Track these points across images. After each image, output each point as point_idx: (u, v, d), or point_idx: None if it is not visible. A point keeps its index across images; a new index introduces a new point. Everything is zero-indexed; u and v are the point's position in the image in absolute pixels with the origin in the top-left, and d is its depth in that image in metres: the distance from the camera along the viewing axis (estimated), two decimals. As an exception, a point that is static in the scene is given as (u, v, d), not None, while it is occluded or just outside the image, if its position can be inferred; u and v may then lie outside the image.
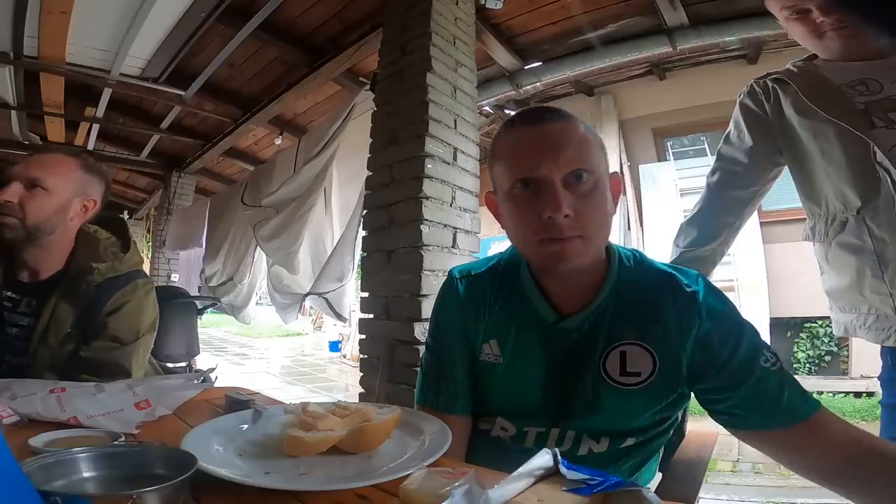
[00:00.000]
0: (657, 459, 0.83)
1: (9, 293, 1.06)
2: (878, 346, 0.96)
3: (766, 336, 4.15)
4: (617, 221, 4.81)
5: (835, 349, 4.34)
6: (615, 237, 4.70)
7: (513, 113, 4.59)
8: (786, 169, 1.11)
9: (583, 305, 0.73)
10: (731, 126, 1.14)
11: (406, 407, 0.72)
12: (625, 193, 4.90)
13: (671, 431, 0.80)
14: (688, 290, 0.71)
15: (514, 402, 0.76)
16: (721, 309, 0.71)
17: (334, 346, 8.75)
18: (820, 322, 4.32)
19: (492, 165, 0.74)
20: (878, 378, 0.98)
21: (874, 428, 0.88)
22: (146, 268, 7.59)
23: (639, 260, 0.77)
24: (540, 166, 0.66)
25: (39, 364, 1.02)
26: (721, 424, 0.73)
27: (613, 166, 4.91)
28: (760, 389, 0.67)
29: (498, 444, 0.77)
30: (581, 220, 0.66)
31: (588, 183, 0.67)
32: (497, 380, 0.77)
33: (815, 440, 0.64)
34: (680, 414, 0.80)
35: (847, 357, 4.24)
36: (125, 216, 7.85)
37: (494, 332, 0.77)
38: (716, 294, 0.72)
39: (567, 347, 0.73)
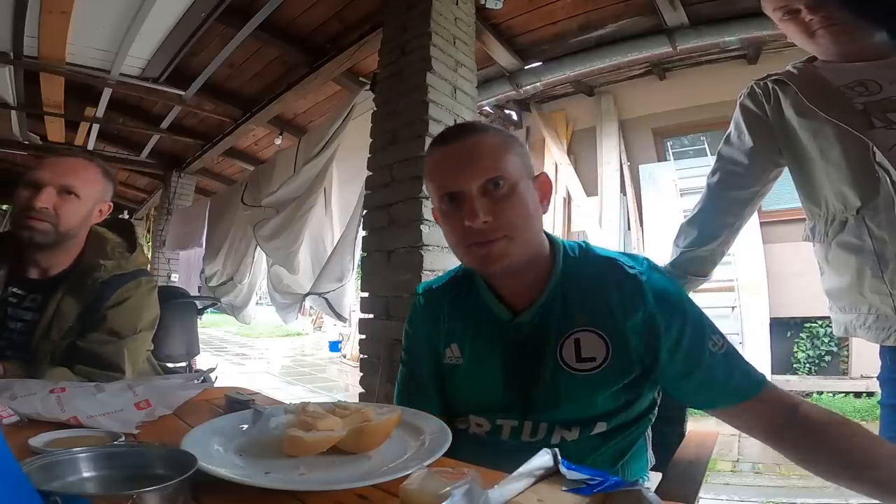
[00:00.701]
0: (644, 448, 0.84)
1: (14, 289, 1.08)
2: (878, 347, 0.96)
3: (765, 336, 4.16)
4: (617, 221, 4.80)
5: (835, 349, 4.34)
6: (615, 237, 4.72)
7: (512, 113, 4.56)
8: (786, 169, 1.12)
9: (533, 300, 0.78)
10: (732, 127, 1.14)
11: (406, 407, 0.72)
12: (624, 193, 4.90)
13: (650, 418, 0.81)
14: (630, 272, 0.75)
15: (477, 399, 0.80)
16: (665, 291, 0.74)
17: (334, 346, 8.75)
18: (820, 322, 4.32)
19: (426, 185, 0.81)
20: (878, 378, 0.99)
21: (874, 428, 0.88)
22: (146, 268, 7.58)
23: (584, 250, 0.81)
24: (457, 180, 0.72)
25: (41, 359, 1.02)
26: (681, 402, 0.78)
27: (613, 165, 4.91)
28: (710, 375, 0.72)
29: (476, 441, 0.79)
30: (501, 222, 0.71)
31: (504, 188, 0.72)
32: (460, 380, 0.82)
33: (759, 412, 0.71)
34: (657, 399, 0.82)
35: (847, 357, 4.24)
36: (125, 216, 7.86)
37: (454, 337, 0.83)
38: (660, 277, 0.76)
39: (522, 342, 0.77)
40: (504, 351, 0.78)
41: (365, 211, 2.25)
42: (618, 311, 0.73)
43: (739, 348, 4.42)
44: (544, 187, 0.78)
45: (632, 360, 0.73)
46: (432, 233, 1.99)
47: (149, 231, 7.34)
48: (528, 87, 3.29)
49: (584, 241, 0.83)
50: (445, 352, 0.84)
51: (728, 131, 1.15)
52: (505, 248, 0.72)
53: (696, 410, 0.87)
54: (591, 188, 5.01)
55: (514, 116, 5.44)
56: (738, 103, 1.13)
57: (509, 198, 0.72)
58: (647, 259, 0.78)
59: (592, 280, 0.76)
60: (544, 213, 0.78)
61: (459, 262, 0.92)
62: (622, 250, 0.77)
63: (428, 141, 2.02)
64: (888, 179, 0.86)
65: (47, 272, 1.10)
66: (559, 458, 0.45)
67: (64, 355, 1.04)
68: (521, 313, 0.78)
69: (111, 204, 1.17)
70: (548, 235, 0.82)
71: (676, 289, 0.76)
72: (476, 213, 0.70)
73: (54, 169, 1.06)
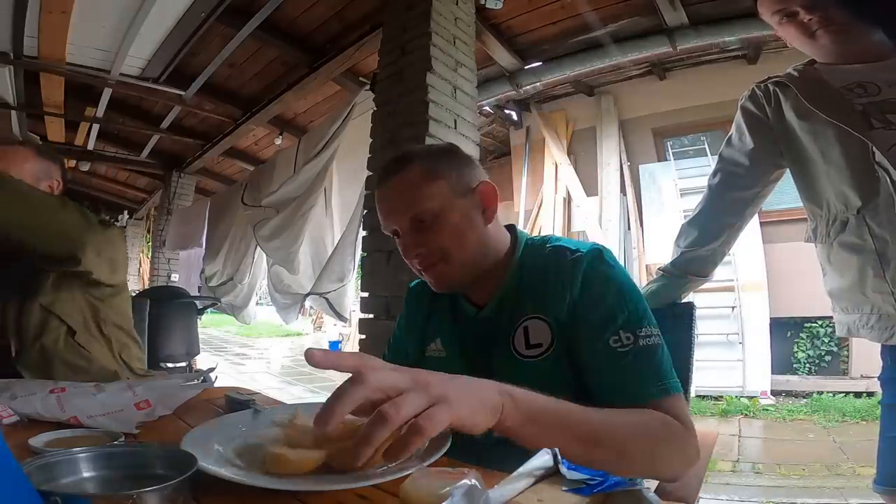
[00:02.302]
0: None
1: None
2: (878, 347, 0.96)
3: (765, 336, 4.16)
4: (617, 221, 4.80)
5: (835, 349, 4.34)
6: (615, 237, 4.72)
7: (512, 113, 4.55)
8: (787, 170, 1.12)
9: (492, 295, 0.82)
10: (733, 129, 1.15)
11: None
12: (624, 193, 4.90)
13: None
14: (570, 256, 0.75)
15: None
16: (595, 270, 0.73)
17: (334, 346, 8.75)
18: (820, 322, 4.32)
19: None
20: (879, 378, 0.99)
21: (874, 428, 0.89)
22: (146, 268, 7.59)
23: (542, 242, 0.83)
24: (388, 222, 0.81)
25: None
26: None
27: (613, 165, 4.91)
28: (595, 364, 0.70)
29: (454, 434, 0.79)
30: (433, 248, 0.77)
31: (429, 220, 0.76)
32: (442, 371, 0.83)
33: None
34: None
35: (847, 357, 4.24)
36: (125, 216, 7.85)
37: (439, 332, 0.88)
38: (601, 263, 0.74)
39: (484, 335, 0.80)
40: (471, 344, 0.82)
41: (365, 211, 2.25)
42: (559, 295, 0.73)
43: (740, 348, 4.37)
44: (486, 196, 0.81)
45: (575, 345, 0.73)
46: (432, 233, 1.99)
47: (149, 231, 7.36)
48: (528, 87, 3.30)
49: (551, 236, 0.84)
50: (429, 346, 0.88)
51: (729, 133, 1.16)
52: (443, 270, 0.78)
53: (695, 410, 0.87)
54: (591, 188, 5.01)
55: (514, 116, 5.45)
56: (739, 105, 1.13)
57: (434, 226, 0.76)
58: (598, 246, 0.77)
59: (542, 269, 0.78)
60: (489, 221, 0.80)
61: None
62: (622, 250, 0.76)
63: (428, 141, 2.02)
64: (888, 179, 0.87)
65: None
66: (559, 458, 0.45)
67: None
68: (483, 308, 0.82)
69: (59, 181, 1.21)
70: (513, 230, 0.86)
71: (615, 274, 0.73)
72: (408, 248, 0.79)
73: None
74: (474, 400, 0.49)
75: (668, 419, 0.63)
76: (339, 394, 0.43)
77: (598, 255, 0.75)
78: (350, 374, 0.45)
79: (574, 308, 0.72)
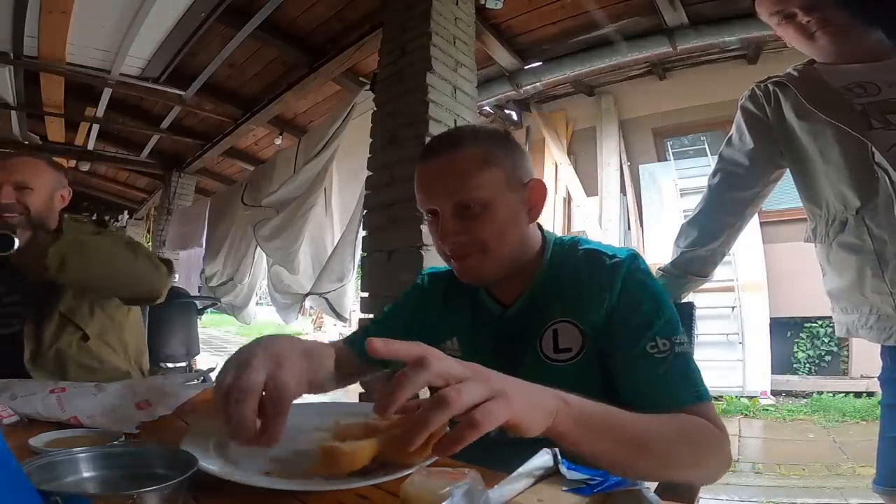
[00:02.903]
0: None
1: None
2: (878, 347, 0.96)
3: (765, 336, 4.16)
4: (617, 221, 4.80)
5: (835, 349, 4.33)
6: (615, 237, 4.72)
7: (513, 113, 4.55)
8: (787, 170, 1.12)
9: (520, 294, 0.79)
10: (733, 129, 1.15)
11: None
12: (624, 193, 4.90)
13: None
14: (608, 262, 0.74)
15: None
16: (635, 283, 0.71)
17: (334, 346, 8.73)
18: (820, 322, 4.31)
19: None
20: (878, 378, 0.99)
21: (874, 428, 0.89)
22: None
23: (573, 243, 0.81)
24: (431, 200, 0.75)
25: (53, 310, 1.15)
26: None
27: (613, 165, 4.91)
28: (629, 369, 0.68)
29: None
30: (473, 239, 0.73)
31: (476, 208, 0.72)
32: None
33: None
34: None
35: (847, 357, 4.24)
36: (125, 216, 7.85)
37: (455, 331, 0.85)
38: (638, 270, 0.73)
39: (509, 335, 0.78)
40: (494, 344, 0.80)
41: (365, 211, 2.25)
42: (594, 301, 0.72)
43: (739, 348, 4.37)
44: (535, 194, 0.78)
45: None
46: (432, 233, 1.99)
47: (149, 231, 7.34)
48: (528, 87, 3.30)
49: (579, 238, 0.83)
50: (446, 344, 0.85)
51: (730, 133, 1.16)
52: (479, 262, 0.74)
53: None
54: (591, 188, 5.01)
55: (514, 116, 5.44)
56: (739, 105, 1.14)
57: (481, 217, 0.72)
58: (634, 253, 0.76)
59: (574, 272, 0.76)
60: (533, 220, 0.78)
61: None
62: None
63: (428, 141, 2.02)
64: (887, 179, 0.87)
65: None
66: (559, 458, 0.45)
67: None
68: (510, 307, 0.80)
69: (70, 189, 1.32)
70: (541, 228, 0.83)
71: (651, 281, 0.73)
72: (447, 234, 0.73)
73: (4, 170, 1.20)
74: (532, 401, 0.47)
75: (707, 424, 0.63)
76: (401, 379, 0.43)
77: (635, 261, 0.74)
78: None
79: (611, 313, 0.71)
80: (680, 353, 0.67)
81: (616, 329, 0.70)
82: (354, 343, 0.89)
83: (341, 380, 0.84)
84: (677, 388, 0.66)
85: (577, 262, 0.77)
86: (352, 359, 0.85)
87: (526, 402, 0.46)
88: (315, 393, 0.70)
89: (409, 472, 0.46)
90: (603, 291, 0.71)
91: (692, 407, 0.64)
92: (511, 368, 0.74)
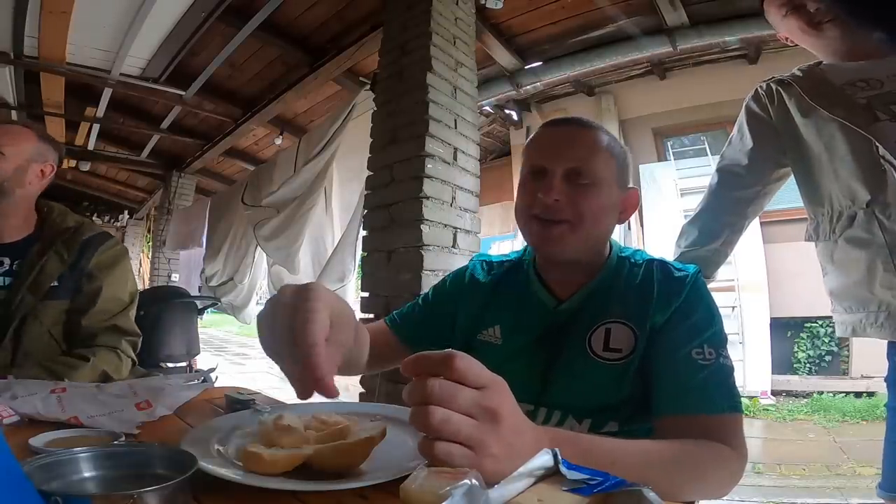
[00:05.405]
0: None
1: None
2: (881, 347, 0.96)
3: (766, 336, 4.16)
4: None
5: (835, 349, 4.34)
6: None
7: (513, 113, 4.55)
8: (789, 169, 1.12)
9: (579, 288, 0.80)
10: (735, 128, 1.16)
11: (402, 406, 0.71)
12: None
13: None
14: (677, 273, 0.76)
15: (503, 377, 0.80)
16: (697, 296, 0.74)
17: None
18: (820, 322, 4.32)
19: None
20: (885, 379, 0.98)
21: (874, 428, 0.88)
22: (146, 268, 7.59)
23: (632, 253, 0.83)
24: (547, 157, 0.76)
25: (14, 317, 1.09)
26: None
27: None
28: (673, 373, 0.68)
29: None
30: (571, 208, 0.73)
31: (587, 181, 0.74)
32: (492, 359, 0.80)
33: (684, 432, 0.63)
34: None
35: (847, 357, 4.24)
36: (125, 216, 7.85)
37: (497, 319, 0.84)
38: (702, 286, 0.76)
39: (559, 327, 0.79)
40: (539, 335, 0.79)
41: (365, 211, 2.25)
42: (656, 308, 0.73)
43: (740, 348, 4.37)
44: (631, 201, 0.81)
45: None
46: (432, 232, 1.99)
47: (149, 231, 7.35)
48: (528, 86, 3.29)
49: (639, 250, 0.85)
50: (487, 331, 0.84)
51: (731, 133, 1.17)
52: (564, 234, 0.74)
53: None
54: (591, 188, 5.01)
55: (515, 116, 5.44)
56: (743, 105, 1.14)
57: (587, 190, 0.74)
58: (699, 268, 0.79)
59: (639, 277, 0.78)
60: (620, 223, 0.81)
61: (464, 263, 0.94)
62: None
63: (428, 140, 2.03)
64: (894, 172, 0.87)
65: (1, 237, 1.16)
66: (559, 458, 0.45)
67: (66, 328, 1.13)
68: (566, 301, 0.80)
69: (53, 165, 1.23)
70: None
71: (710, 296, 0.76)
72: (550, 189, 0.73)
73: None
74: (513, 465, 0.43)
75: (720, 447, 0.63)
76: (421, 355, 0.44)
77: (699, 275, 0.77)
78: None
79: (670, 318, 0.73)
80: (724, 364, 0.68)
81: (668, 331, 0.72)
82: (395, 323, 0.91)
83: (375, 362, 0.82)
84: (712, 394, 0.66)
85: (645, 271, 0.78)
86: (392, 341, 0.87)
87: (510, 468, 0.42)
88: (346, 372, 0.71)
89: (409, 472, 0.46)
90: (671, 300, 0.73)
91: (724, 416, 0.65)
92: (551, 360, 0.76)
